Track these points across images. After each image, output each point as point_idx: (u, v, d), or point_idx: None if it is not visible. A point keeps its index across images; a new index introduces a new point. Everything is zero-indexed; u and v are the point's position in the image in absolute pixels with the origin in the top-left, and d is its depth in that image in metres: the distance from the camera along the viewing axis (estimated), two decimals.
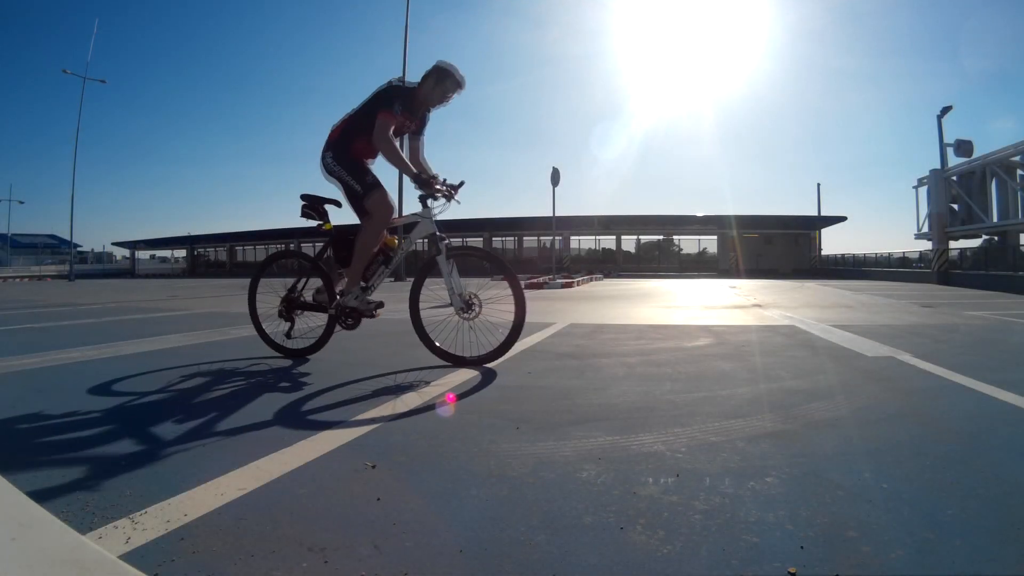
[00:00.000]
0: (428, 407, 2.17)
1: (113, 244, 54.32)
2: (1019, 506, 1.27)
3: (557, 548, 1.10)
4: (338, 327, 3.22)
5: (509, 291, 3.02)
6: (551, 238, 28.66)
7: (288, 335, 3.30)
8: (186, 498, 1.31)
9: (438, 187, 3.12)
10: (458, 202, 3.23)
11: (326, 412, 2.09)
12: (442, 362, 3.03)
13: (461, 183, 3.23)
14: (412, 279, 3.28)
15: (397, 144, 3.15)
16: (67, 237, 38.89)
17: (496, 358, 2.99)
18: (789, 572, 1.00)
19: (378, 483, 1.42)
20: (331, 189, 3.29)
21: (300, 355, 3.28)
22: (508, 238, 37.78)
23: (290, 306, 3.32)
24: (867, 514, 1.23)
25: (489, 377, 2.73)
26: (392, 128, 3.08)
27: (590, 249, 37.48)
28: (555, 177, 16.33)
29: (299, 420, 1.99)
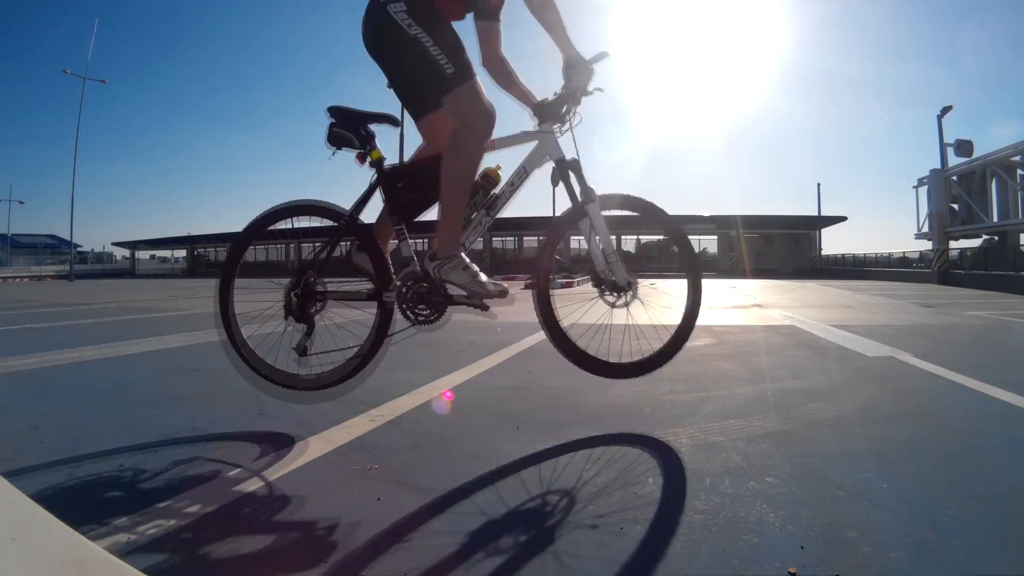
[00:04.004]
0: (428, 407, 2.17)
1: (113, 244, 54.45)
2: (1019, 506, 1.27)
3: (557, 548, 1.10)
4: (401, 323, 1.98)
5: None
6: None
7: (302, 349, 1.92)
8: (186, 498, 1.31)
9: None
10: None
11: (326, 412, 2.08)
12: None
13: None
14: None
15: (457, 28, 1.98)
16: (67, 237, 39.07)
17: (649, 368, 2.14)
18: (789, 572, 1.00)
19: (378, 483, 1.42)
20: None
21: (325, 385, 2.01)
22: (508, 238, 37.78)
23: (307, 296, 1.96)
24: (867, 514, 1.23)
25: (489, 377, 2.73)
26: None
27: None
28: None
29: (299, 420, 1.98)
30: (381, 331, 1.98)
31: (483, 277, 1.93)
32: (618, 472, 1.48)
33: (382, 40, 1.94)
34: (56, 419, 1.99)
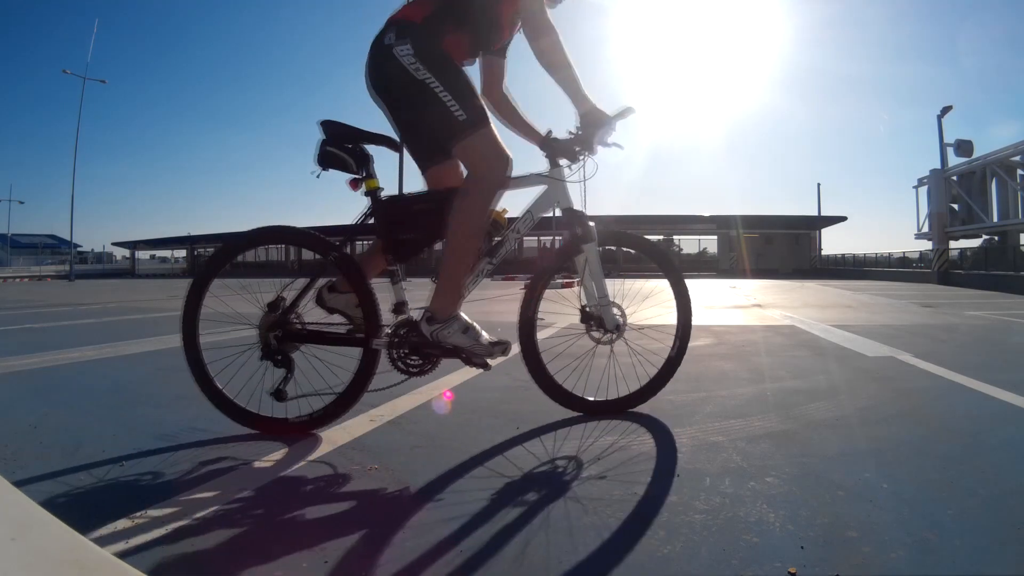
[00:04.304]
0: (428, 407, 2.17)
1: (113, 244, 54.54)
2: (1019, 506, 1.27)
3: (557, 548, 1.10)
4: (388, 369, 1.83)
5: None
6: (551, 238, 28.71)
7: (280, 392, 1.78)
8: (186, 498, 1.31)
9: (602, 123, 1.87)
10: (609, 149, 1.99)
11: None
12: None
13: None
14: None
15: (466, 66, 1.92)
16: (67, 237, 39.08)
17: (639, 402, 2.14)
18: (789, 572, 1.00)
19: (378, 483, 1.42)
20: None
21: (299, 430, 1.80)
22: None
23: (287, 335, 1.82)
24: (867, 514, 1.23)
25: (489, 377, 2.72)
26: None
27: None
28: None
29: None
30: (363, 377, 1.83)
31: (484, 336, 1.83)
32: (618, 472, 1.48)
33: (388, 84, 1.83)
34: (56, 419, 1.99)
